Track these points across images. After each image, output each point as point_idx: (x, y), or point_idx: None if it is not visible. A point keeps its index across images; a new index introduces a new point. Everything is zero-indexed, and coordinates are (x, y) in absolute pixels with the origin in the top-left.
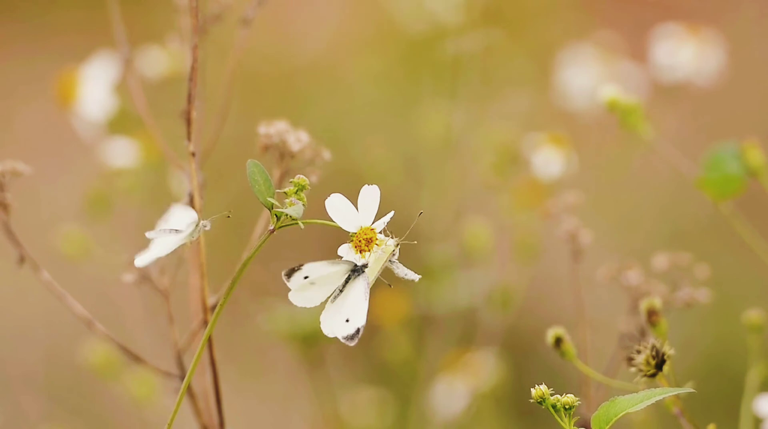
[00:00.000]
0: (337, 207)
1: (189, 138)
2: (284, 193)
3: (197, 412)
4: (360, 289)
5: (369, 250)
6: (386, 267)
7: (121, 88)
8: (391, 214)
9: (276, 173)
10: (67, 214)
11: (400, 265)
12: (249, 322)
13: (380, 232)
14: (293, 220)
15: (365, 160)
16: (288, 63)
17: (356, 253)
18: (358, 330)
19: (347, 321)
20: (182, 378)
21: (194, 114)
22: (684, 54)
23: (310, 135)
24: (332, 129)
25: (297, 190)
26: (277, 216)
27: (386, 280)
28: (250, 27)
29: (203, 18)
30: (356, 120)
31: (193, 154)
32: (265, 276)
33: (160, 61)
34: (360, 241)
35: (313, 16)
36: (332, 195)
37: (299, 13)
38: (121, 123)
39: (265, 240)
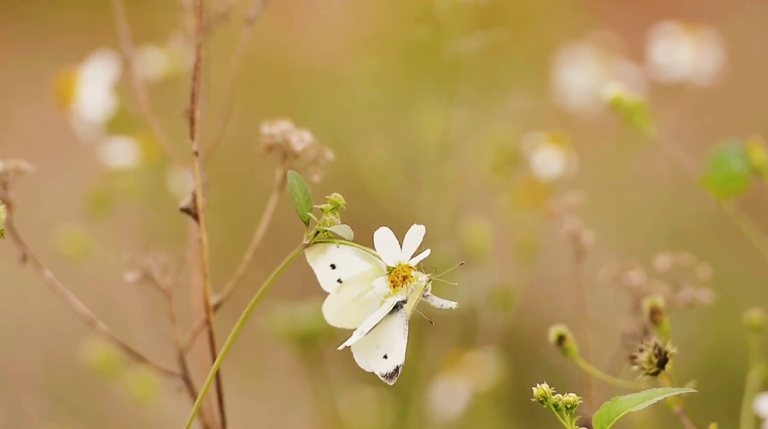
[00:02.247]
0: (384, 241)
1: (192, 137)
2: (321, 209)
3: (199, 412)
4: (398, 325)
5: (402, 286)
6: (421, 301)
7: (121, 87)
8: (427, 252)
9: (279, 173)
10: (67, 214)
11: (434, 298)
12: (249, 323)
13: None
14: (328, 236)
15: (366, 160)
16: (290, 63)
17: (391, 287)
18: (397, 369)
19: (385, 357)
20: (184, 377)
21: (198, 113)
22: (681, 52)
23: (312, 135)
24: (333, 129)
25: (333, 208)
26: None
27: (424, 315)
28: (253, 27)
29: (207, 17)
30: (356, 120)
31: (197, 154)
32: (265, 277)
33: (160, 61)
34: (397, 277)
35: (314, 17)
36: (381, 228)
37: (301, 13)
38: (120, 123)
39: (296, 253)
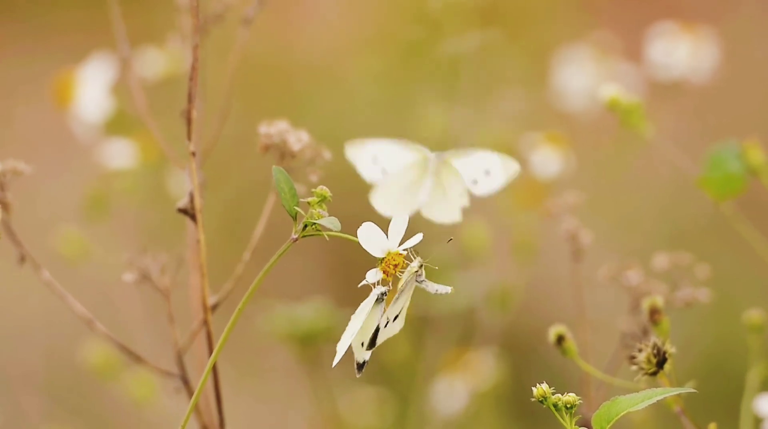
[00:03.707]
0: (369, 235)
1: (189, 137)
2: (307, 202)
3: (197, 412)
4: (376, 318)
5: (396, 274)
6: (416, 287)
7: (120, 88)
8: (419, 237)
9: None
10: (66, 214)
11: (429, 283)
12: (248, 323)
13: (404, 254)
14: (317, 230)
15: None
16: (288, 63)
17: (384, 276)
18: (364, 363)
19: (362, 344)
20: (182, 378)
21: (195, 113)
22: (679, 52)
23: (310, 135)
24: (332, 129)
25: (320, 201)
26: (304, 225)
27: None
28: (250, 27)
29: (204, 17)
30: (355, 120)
31: (194, 154)
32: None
33: (158, 61)
34: (389, 266)
35: (313, 16)
36: (364, 224)
37: (299, 13)
38: (118, 124)
39: (287, 247)
